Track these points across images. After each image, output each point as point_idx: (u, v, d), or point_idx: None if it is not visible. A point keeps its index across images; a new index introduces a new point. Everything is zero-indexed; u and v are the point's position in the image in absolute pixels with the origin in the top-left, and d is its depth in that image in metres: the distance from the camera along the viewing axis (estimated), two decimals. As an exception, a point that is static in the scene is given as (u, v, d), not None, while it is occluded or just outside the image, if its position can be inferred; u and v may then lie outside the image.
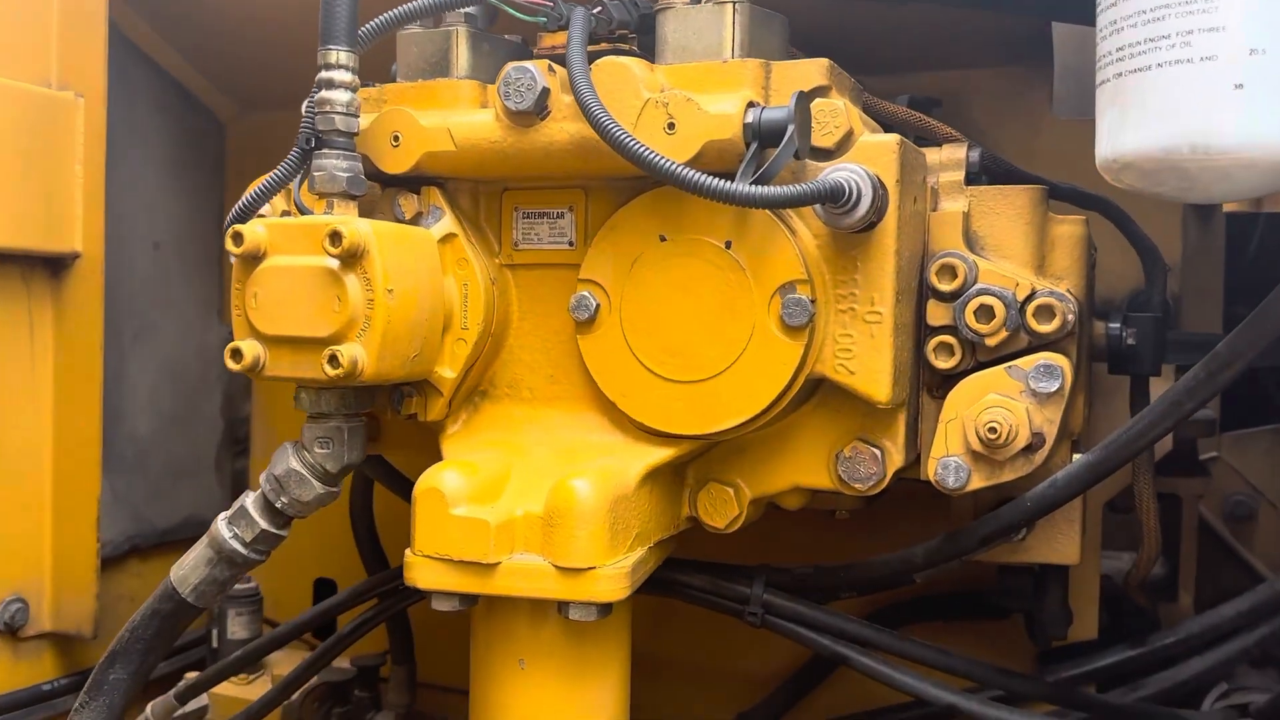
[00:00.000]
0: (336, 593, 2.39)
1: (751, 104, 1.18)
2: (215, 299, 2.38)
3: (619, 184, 1.31)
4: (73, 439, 1.98)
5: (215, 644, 2.07)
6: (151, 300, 2.23)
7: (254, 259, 1.23)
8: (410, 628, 1.94)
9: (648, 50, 1.33)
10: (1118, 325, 1.53)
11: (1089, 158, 1.86)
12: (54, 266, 1.97)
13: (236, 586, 2.05)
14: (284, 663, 2.09)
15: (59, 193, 1.92)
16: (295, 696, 1.95)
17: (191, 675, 1.90)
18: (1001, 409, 1.20)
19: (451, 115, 1.29)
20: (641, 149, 1.12)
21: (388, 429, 1.52)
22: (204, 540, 1.30)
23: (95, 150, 1.97)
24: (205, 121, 2.38)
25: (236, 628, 2.04)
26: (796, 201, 1.11)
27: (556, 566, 1.19)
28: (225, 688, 1.99)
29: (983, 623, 1.80)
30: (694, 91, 1.20)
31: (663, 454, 1.29)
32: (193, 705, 1.92)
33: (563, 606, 1.21)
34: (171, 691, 1.82)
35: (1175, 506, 2.00)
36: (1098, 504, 1.78)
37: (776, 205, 1.13)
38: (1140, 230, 1.61)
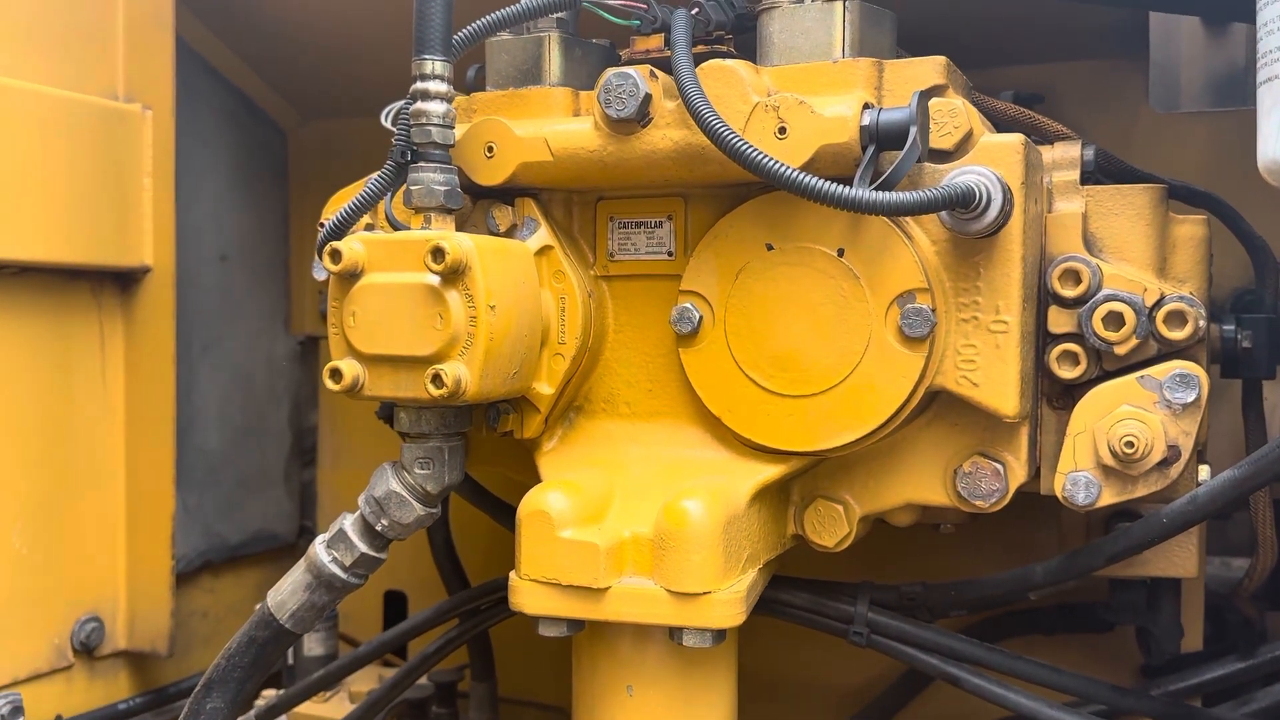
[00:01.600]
0: (406, 604, 2.38)
1: (867, 105, 1.13)
2: (282, 309, 2.36)
3: (720, 191, 1.26)
4: (146, 454, 1.96)
5: (291, 660, 2.05)
6: (219, 312, 2.21)
7: (351, 276, 1.19)
8: (490, 644, 1.91)
9: (745, 51, 1.28)
10: (1232, 327, 1.46)
11: (1184, 152, 1.80)
12: (124, 281, 1.96)
13: (312, 602, 2.02)
14: (358, 679, 2.06)
15: (128, 207, 1.91)
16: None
17: (269, 693, 1.88)
18: (1136, 421, 1.14)
19: (547, 124, 1.25)
20: (760, 156, 1.07)
21: (476, 445, 1.48)
22: (301, 565, 1.27)
23: (164, 163, 1.95)
24: (268, 130, 2.35)
25: (313, 644, 2.01)
26: (927, 207, 1.06)
27: (670, 591, 1.15)
28: (304, 707, 1.96)
29: (1083, 635, 1.74)
30: (803, 94, 1.15)
31: (772, 471, 1.24)
32: (272, 724, 1.90)
33: (675, 632, 1.17)
34: (252, 711, 1.79)
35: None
36: (1205, 512, 1.71)
37: (906, 212, 1.08)
38: (1250, 228, 1.54)
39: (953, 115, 1.16)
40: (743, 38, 1.34)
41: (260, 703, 1.80)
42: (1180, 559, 1.42)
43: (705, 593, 1.14)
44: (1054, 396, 1.26)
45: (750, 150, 1.07)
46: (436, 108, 1.19)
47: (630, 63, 1.29)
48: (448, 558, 1.87)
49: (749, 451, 1.26)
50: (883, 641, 1.41)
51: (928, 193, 1.05)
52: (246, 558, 2.29)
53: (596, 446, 1.33)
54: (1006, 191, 1.10)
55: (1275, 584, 1.96)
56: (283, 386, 2.35)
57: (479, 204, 1.32)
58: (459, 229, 1.25)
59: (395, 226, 1.26)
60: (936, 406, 1.26)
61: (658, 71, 1.21)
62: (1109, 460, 1.15)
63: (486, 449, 1.47)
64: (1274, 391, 1.74)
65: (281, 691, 1.80)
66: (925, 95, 1.13)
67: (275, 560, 2.35)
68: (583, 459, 1.32)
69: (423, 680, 2.03)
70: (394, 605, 2.39)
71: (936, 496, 1.26)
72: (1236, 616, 1.85)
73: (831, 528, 1.30)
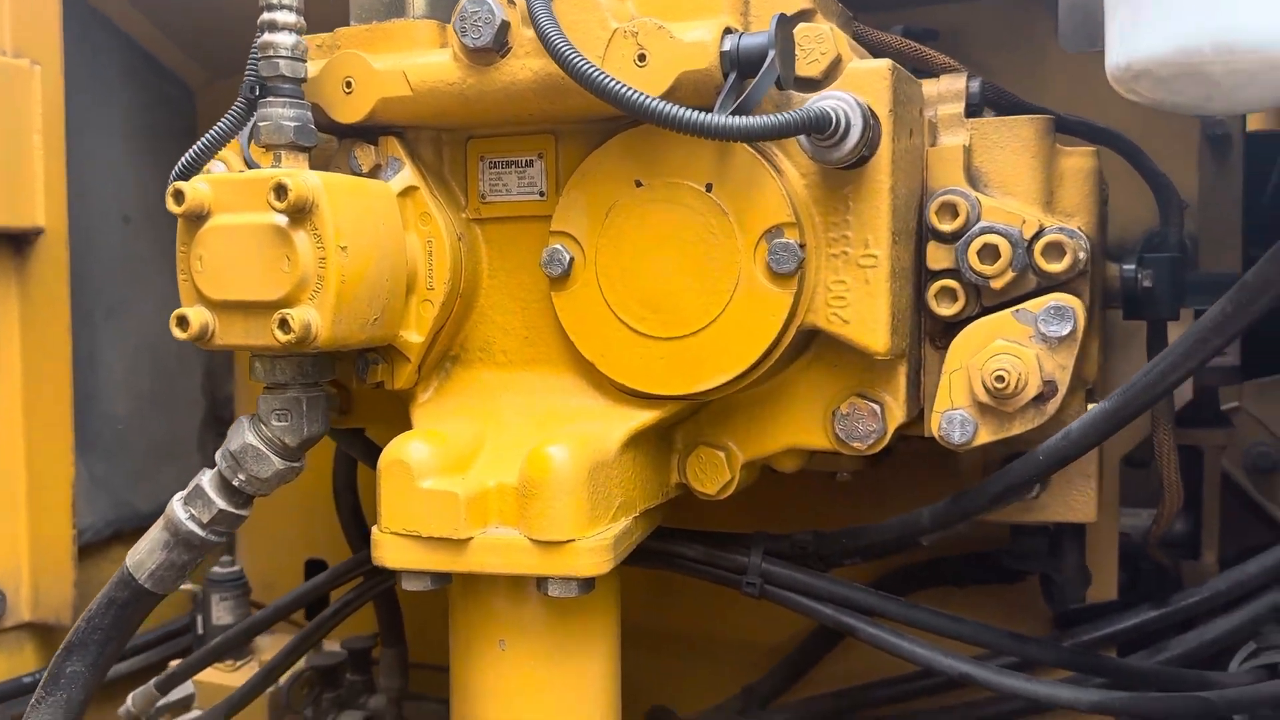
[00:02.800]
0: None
1: (729, 31, 1.08)
2: (190, 274, 2.29)
3: (591, 127, 1.21)
4: (44, 422, 1.91)
5: (201, 630, 2.01)
6: (123, 276, 2.15)
7: (198, 219, 1.14)
8: (399, 608, 1.87)
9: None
10: (1133, 267, 1.43)
11: (1096, 93, 1.76)
12: (16, 243, 1.89)
13: (218, 570, 1.98)
14: (274, 649, 2.02)
15: (17, 165, 1.84)
16: (283, 682, 1.88)
17: (177, 664, 1.84)
18: (1009, 356, 1.10)
19: (407, 58, 1.20)
20: (607, 80, 1.02)
21: (359, 401, 1.43)
22: (159, 523, 1.23)
23: (54, 120, 1.89)
24: (174, 89, 2.28)
25: (221, 613, 1.97)
26: (778, 132, 1.01)
27: (533, 540, 1.11)
28: (211, 675, 1.92)
29: (995, 587, 1.71)
30: (667, 20, 1.10)
31: (646, 417, 1.20)
32: (177, 694, 1.86)
33: (541, 583, 1.13)
34: (152, 681, 1.75)
35: (1196, 460, 1.91)
36: (1114, 458, 1.69)
37: (756, 137, 1.03)
38: (1154, 165, 1.51)
39: (819, 41, 1.11)
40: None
41: (163, 673, 1.76)
42: (1079, 504, 1.39)
43: (569, 541, 1.10)
44: (936, 336, 1.23)
45: (596, 74, 1.02)
46: (285, 39, 1.14)
47: (498, -6, 1.23)
48: (353, 520, 1.84)
49: (625, 398, 1.22)
50: (776, 592, 1.38)
51: (779, 117, 1.01)
52: (160, 528, 2.23)
53: (472, 397, 1.28)
54: (869, 118, 1.05)
55: (1193, 532, 1.95)
56: (194, 354, 2.28)
57: (342, 144, 1.26)
58: (323, 170, 1.20)
59: (251, 169, 1.21)
60: (815, 348, 1.22)
61: None
62: (984, 397, 1.12)
63: (375, 406, 1.43)
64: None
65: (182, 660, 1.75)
66: (788, 20, 1.08)
67: (192, 530, 2.30)
68: (457, 410, 1.27)
69: (336, 647, 2.00)
70: (316, 574, 2.34)
71: (817, 440, 1.22)
72: (1151, 565, 1.83)
73: (713, 474, 1.26)
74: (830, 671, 1.80)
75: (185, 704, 1.87)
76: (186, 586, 2.04)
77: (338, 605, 1.64)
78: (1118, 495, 1.72)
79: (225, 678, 1.93)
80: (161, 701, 1.80)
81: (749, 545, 1.40)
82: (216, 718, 1.72)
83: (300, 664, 1.92)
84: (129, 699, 1.77)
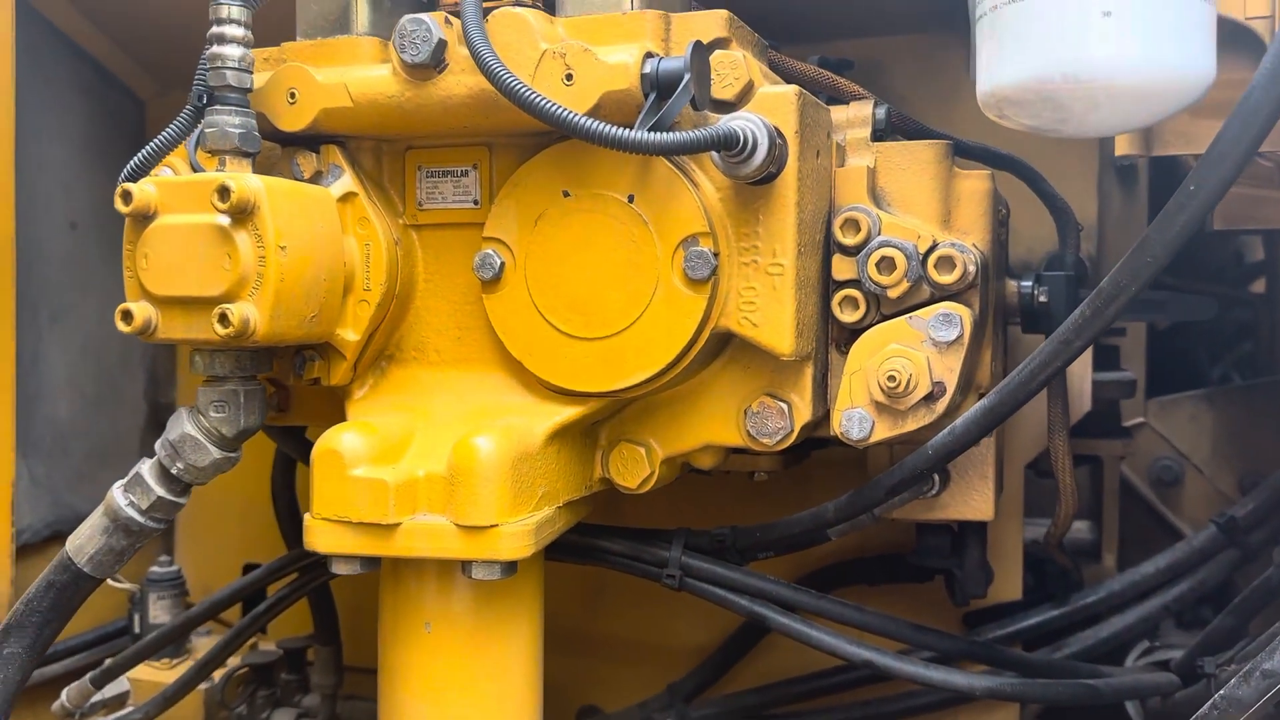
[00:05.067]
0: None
1: (649, 54, 1.17)
2: (136, 280, 2.33)
3: (523, 140, 1.29)
4: (-15, 422, 1.93)
5: (138, 630, 2.03)
6: (69, 281, 2.18)
7: (144, 218, 1.20)
8: (335, 608, 1.91)
9: (550, 7, 1.31)
10: (1030, 283, 1.54)
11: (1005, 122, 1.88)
12: (-39, 246, 1.92)
13: (156, 570, 2.01)
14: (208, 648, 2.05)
15: (-36, 170, 1.88)
16: (217, 679, 1.92)
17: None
18: (901, 358, 1.20)
19: (350, 71, 1.27)
20: (535, 97, 1.10)
21: (299, 399, 1.49)
22: (100, 509, 1.27)
23: (4, 128, 1.92)
24: (125, 99, 2.33)
25: (158, 612, 2.00)
26: (690, 148, 1.10)
27: (458, 525, 1.17)
28: (148, 673, 1.95)
29: (908, 587, 1.80)
30: (593, 43, 1.19)
31: (570, 413, 1.28)
32: (112, 691, 1.88)
33: (466, 566, 1.19)
34: (87, 676, 1.78)
35: (1099, 468, 2.02)
36: (1018, 464, 1.79)
37: (669, 152, 1.12)
38: (1051, 189, 1.62)
39: (733, 67, 1.20)
40: (553, -6, 1.37)
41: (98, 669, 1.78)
42: (978, 502, 1.48)
43: (493, 526, 1.17)
44: (841, 342, 1.32)
45: (521, 88, 1.10)
46: (233, 51, 1.20)
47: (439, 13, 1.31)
48: (290, 518, 1.88)
49: (550, 395, 1.29)
50: (694, 584, 1.46)
51: (690, 134, 1.10)
52: (99, 530, 2.25)
53: (406, 394, 1.35)
54: (775, 137, 1.14)
55: (1097, 539, 2.06)
56: (137, 359, 2.32)
57: (285, 151, 1.33)
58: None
59: (196, 172, 1.27)
60: (731, 351, 1.30)
61: (453, 18, 1.23)
62: (879, 396, 1.21)
63: (314, 404, 1.48)
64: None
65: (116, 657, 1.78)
66: (704, 47, 1.17)
67: (132, 534, 2.32)
68: (391, 406, 1.34)
69: (272, 646, 2.04)
70: (256, 578, 2.37)
71: (731, 437, 1.30)
72: (1055, 568, 1.94)
73: (634, 469, 1.34)
74: (752, 669, 1.87)
75: (121, 700, 1.89)
76: (124, 586, 2.07)
77: (271, 600, 1.68)
78: (1022, 500, 1.82)
79: (162, 676, 1.96)
80: (96, 697, 1.82)
81: (670, 540, 1.48)
82: (150, 712, 1.75)
83: (235, 662, 1.96)
84: (63, 693, 1.80)
